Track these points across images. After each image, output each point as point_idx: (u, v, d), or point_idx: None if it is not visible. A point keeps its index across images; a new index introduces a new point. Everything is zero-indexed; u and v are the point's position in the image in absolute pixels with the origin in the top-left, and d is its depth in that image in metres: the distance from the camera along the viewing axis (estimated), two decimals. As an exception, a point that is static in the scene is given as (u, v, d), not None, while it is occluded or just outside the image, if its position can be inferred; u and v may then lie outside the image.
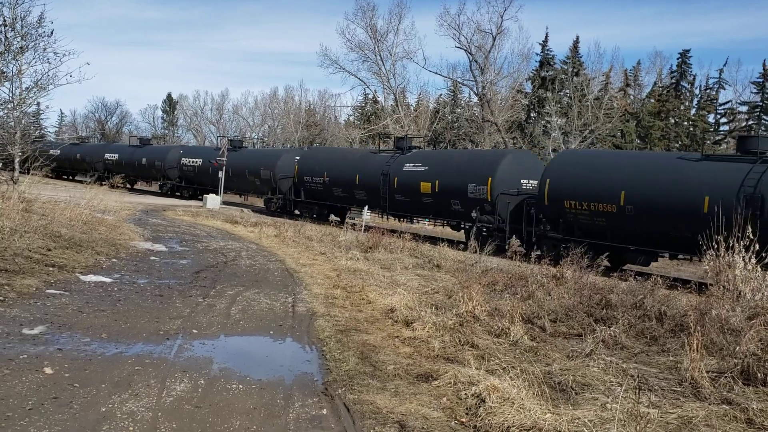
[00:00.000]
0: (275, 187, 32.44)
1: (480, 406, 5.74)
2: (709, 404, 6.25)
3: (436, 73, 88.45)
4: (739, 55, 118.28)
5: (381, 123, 54.20)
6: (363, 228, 22.00)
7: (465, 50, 49.51)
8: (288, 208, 32.05)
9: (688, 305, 10.16)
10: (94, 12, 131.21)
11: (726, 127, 56.01)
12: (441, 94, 65.99)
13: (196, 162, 38.21)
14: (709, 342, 8.11)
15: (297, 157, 32.13)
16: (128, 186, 44.55)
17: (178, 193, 40.69)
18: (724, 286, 10.82)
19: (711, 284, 11.57)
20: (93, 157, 47.26)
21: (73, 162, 49.20)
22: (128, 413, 5.18)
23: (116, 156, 45.24)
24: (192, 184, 39.33)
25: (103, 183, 42.54)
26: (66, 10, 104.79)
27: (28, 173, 24.20)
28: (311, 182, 29.67)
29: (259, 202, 36.91)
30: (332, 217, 26.69)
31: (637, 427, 5.18)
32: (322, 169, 29.09)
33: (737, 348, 7.64)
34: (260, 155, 36.87)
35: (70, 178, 50.74)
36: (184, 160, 39.18)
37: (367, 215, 25.72)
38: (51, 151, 46.36)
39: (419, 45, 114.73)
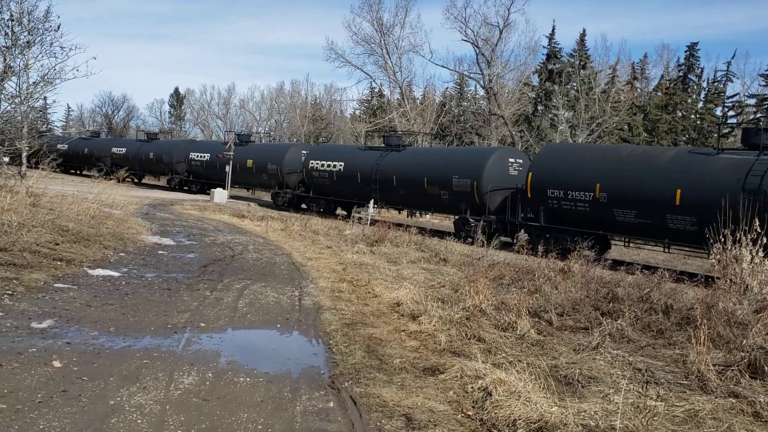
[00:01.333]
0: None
1: (486, 400, 5.75)
2: (716, 397, 6.25)
3: (443, 67, 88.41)
4: (747, 48, 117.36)
5: (387, 117, 54.10)
6: (369, 222, 22.04)
7: (472, 43, 49.34)
8: (295, 203, 32.11)
9: (695, 298, 10.14)
10: (100, 5, 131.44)
11: (734, 120, 55.71)
12: (447, 88, 65.84)
13: (204, 156, 38.29)
14: (715, 335, 8.10)
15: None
16: (136, 180, 44.70)
17: (186, 188, 40.79)
18: (731, 280, 10.80)
19: (718, 277, 11.54)
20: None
21: (80, 156, 49.38)
22: (136, 406, 5.22)
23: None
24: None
25: (111, 177, 42.76)
26: (73, 3, 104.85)
27: (36, 168, 24.35)
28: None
29: (267, 197, 36.96)
30: (339, 211, 26.74)
31: (643, 421, 5.18)
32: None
33: (744, 341, 7.62)
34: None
35: (78, 172, 50.92)
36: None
37: (372, 209, 25.76)
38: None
39: (425, 38, 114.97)
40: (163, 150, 42.08)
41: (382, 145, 29.31)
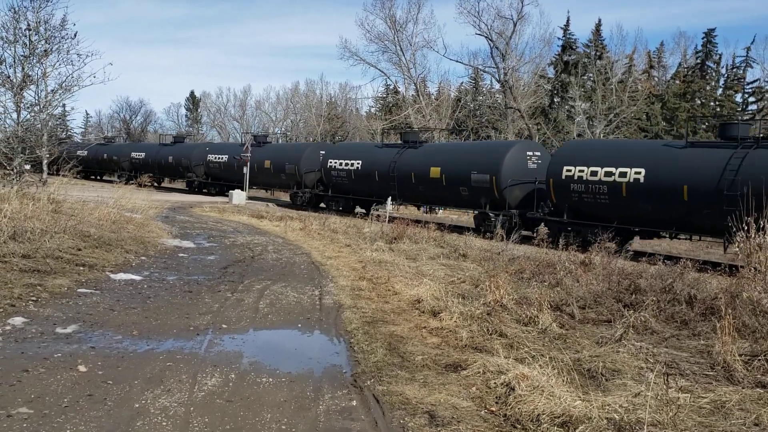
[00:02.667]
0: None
1: (509, 395, 5.73)
2: (743, 388, 6.17)
3: (457, 61, 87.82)
4: (767, 32, 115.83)
5: (402, 113, 54.05)
6: (387, 219, 22.05)
7: (486, 37, 49.14)
8: (314, 202, 32.21)
9: (719, 288, 10.02)
10: (116, 11, 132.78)
11: (754, 107, 54.97)
12: (462, 83, 65.55)
13: (222, 158, 38.51)
14: (741, 325, 8.00)
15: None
16: (155, 184, 45.10)
17: (204, 190, 41.06)
18: (755, 268, 10.65)
19: (742, 266, 11.40)
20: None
21: (100, 162, 49.90)
22: (161, 409, 5.26)
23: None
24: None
25: (131, 182, 43.18)
26: (89, 10, 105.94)
27: (57, 174, 24.62)
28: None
29: (285, 197, 37.10)
30: (358, 209, 26.77)
31: (669, 413, 5.13)
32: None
33: (770, 330, 7.52)
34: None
35: (98, 178, 51.49)
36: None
37: (390, 206, 25.79)
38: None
39: (439, 33, 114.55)
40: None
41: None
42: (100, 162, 49.85)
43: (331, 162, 30.13)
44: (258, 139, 38.29)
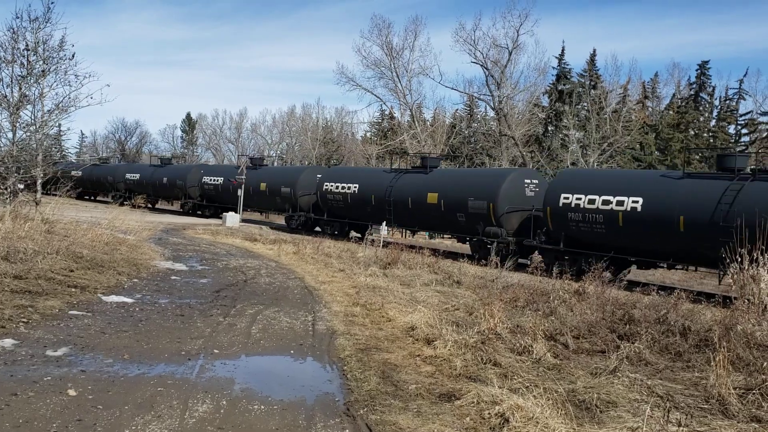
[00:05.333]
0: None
1: (504, 426, 5.68)
2: (738, 422, 6.14)
3: (453, 89, 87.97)
4: (759, 65, 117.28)
5: (398, 139, 54.25)
6: (381, 244, 22.01)
7: (481, 65, 49.55)
8: (309, 225, 32.16)
9: (713, 320, 10.01)
10: (115, 33, 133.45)
11: (747, 138, 55.44)
12: (457, 109, 66.04)
13: (217, 180, 38.47)
14: (735, 357, 7.98)
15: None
16: (149, 206, 44.95)
17: (199, 212, 40.93)
18: (748, 300, 10.65)
19: (735, 298, 11.39)
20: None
21: (94, 182, 49.75)
22: (151, 435, 5.19)
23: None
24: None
25: (125, 203, 43.07)
26: (88, 31, 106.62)
27: (51, 194, 24.54)
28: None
29: (279, 220, 37.03)
30: (353, 233, 26.72)
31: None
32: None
33: (765, 364, 7.50)
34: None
35: (92, 198, 51.32)
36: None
37: (385, 231, 25.75)
38: (72, 172, 46.95)
39: (435, 61, 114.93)
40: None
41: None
42: (95, 182, 49.72)
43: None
44: (254, 161, 38.30)
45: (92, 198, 51.44)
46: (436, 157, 30.51)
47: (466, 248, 27.15)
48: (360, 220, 28.95)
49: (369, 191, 27.89)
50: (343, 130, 75.76)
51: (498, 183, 22.71)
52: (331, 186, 29.88)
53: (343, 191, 29.20)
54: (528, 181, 23.16)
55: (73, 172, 46.00)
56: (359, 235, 28.75)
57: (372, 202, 27.58)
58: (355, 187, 28.68)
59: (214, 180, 38.76)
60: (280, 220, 36.56)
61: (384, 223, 25.73)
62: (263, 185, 34.62)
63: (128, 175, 46.49)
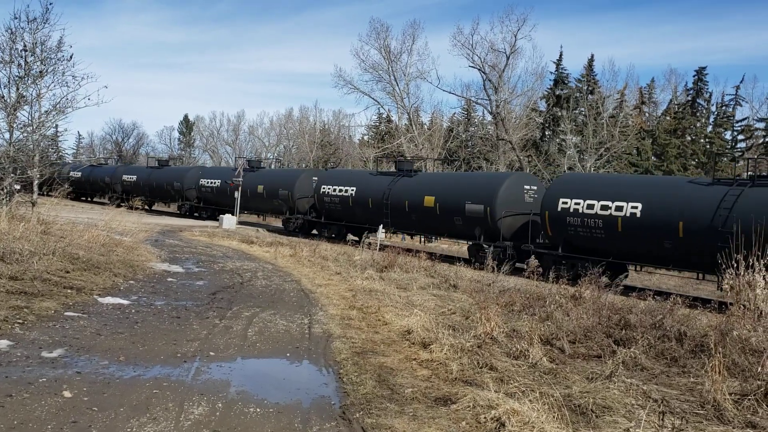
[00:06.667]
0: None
1: (500, 430, 5.68)
2: (733, 428, 6.15)
3: (450, 93, 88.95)
4: (755, 72, 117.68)
5: (395, 142, 54.31)
6: (378, 247, 22.00)
7: (479, 69, 49.71)
8: (306, 228, 32.15)
9: (709, 325, 10.03)
10: (114, 35, 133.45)
11: (743, 144, 55.62)
12: (455, 113, 66.15)
13: (215, 183, 38.45)
14: (731, 363, 7.99)
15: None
16: (146, 207, 44.91)
17: (196, 214, 40.89)
18: (744, 305, 10.68)
19: (731, 303, 11.42)
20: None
21: (91, 184, 49.69)
22: (146, 438, 5.18)
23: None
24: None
25: (122, 204, 43.00)
26: (86, 32, 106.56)
27: (48, 195, 24.50)
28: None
29: (276, 222, 37.01)
30: (350, 236, 26.69)
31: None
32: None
33: (760, 369, 7.52)
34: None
35: (89, 199, 51.25)
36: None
37: (381, 234, 25.74)
38: (70, 174, 46.90)
39: (433, 65, 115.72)
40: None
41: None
42: (92, 183, 49.64)
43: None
44: (252, 164, 38.28)
45: (89, 199, 51.38)
46: (410, 160, 30.64)
47: (463, 252, 27.18)
48: (357, 223, 28.94)
49: (366, 194, 27.89)
50: (340, 133, 75.86)
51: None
52: (329, 189, 29.88)
53: (340, 194, 29.20)
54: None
55: (70, 173, 46.03)
56: (356, 238, 28.76)
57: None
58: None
59: (212, 182, 38.74)
60: (277, 222, 36.54)
61: (381, 227, 25.73)
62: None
63: (125, 177, 46.43)
